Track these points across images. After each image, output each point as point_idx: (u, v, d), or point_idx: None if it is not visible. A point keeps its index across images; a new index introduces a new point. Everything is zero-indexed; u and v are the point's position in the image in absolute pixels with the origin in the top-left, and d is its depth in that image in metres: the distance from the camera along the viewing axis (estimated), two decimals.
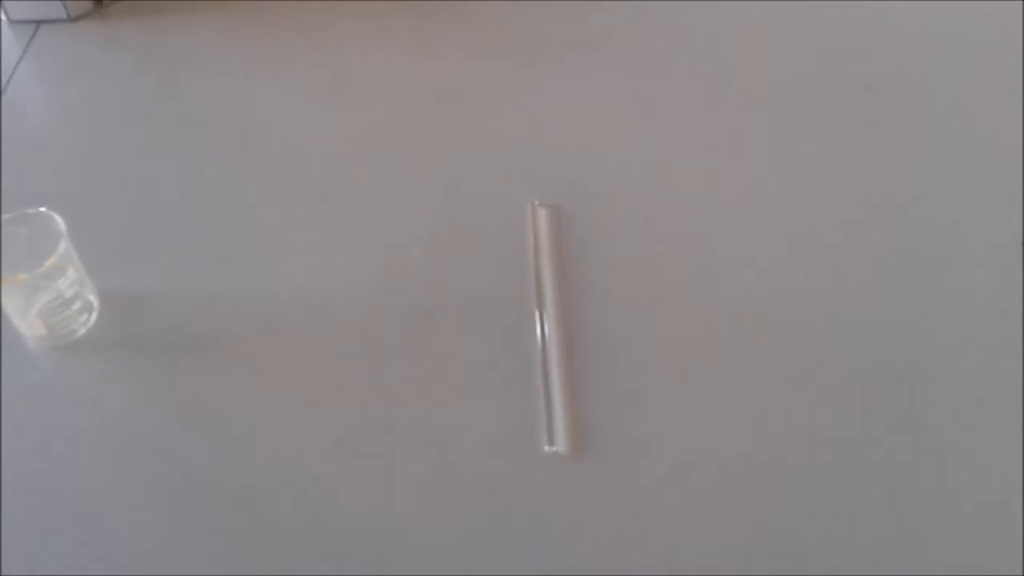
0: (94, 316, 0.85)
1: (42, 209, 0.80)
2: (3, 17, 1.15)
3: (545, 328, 0.81)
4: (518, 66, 1.05)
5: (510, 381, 0.78)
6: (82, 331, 0.84)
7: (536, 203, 0.91)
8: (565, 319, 0.82)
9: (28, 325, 0.82)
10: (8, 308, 0.81)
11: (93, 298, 0.85)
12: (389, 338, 0.82)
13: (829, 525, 0.71)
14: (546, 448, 0.74)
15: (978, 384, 0.79)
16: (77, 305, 0.82)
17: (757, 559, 0.69)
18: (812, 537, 0.70)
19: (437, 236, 0.89)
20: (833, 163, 0.95)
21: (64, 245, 0.78)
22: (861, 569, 0.69)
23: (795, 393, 0.77)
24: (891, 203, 0.91)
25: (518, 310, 0.82)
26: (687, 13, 1.11)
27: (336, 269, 0.88)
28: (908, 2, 1.09)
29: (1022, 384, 0.78)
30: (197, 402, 0.79)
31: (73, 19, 1.15)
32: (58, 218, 0.80)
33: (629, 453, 0.74)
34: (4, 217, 0.80)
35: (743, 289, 0.84)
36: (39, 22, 1.15)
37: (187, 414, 0.78)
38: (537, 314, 0.81)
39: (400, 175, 0.95)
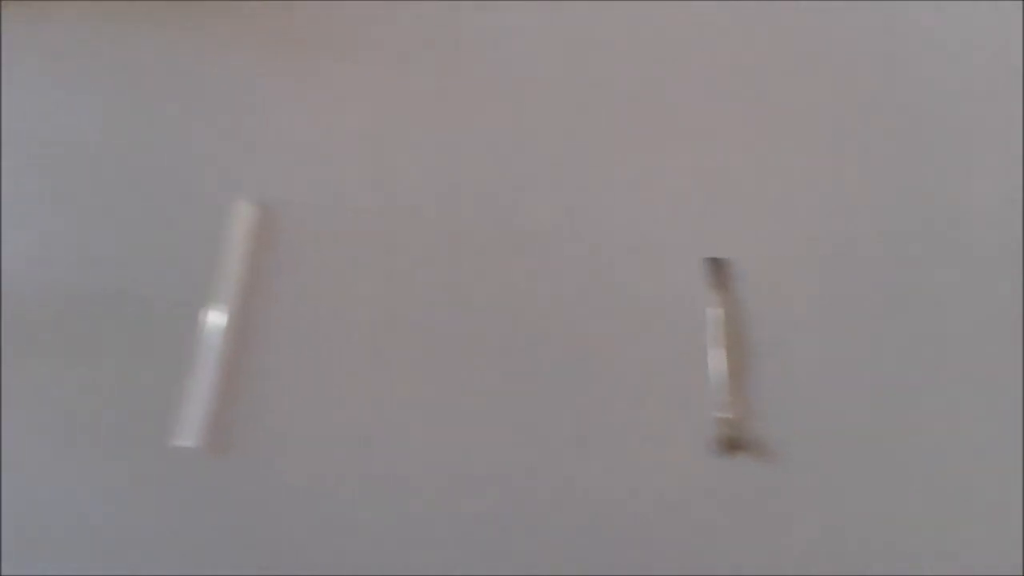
0: None
1: None
2: None
3: (213, 324, 0.84)
4: (256, 64, 1.01)
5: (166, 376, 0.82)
6: None
7: (242, 202, 0.91)
8: (241, 317, 0.85)
9: None
10: None
11: None
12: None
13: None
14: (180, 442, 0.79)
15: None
16: None
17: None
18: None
19: (135, 232, 0.90)
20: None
21: None
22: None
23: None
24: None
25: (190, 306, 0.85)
26: (452, 14, 1.05)
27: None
28: None
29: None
30: None
31: None
32: None
33: (270, 451, 0.79)
34: None
35: (436, 292, 0.87)
36: None
37: None
38: (211, 311, 0.85)
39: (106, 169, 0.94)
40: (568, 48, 1.00)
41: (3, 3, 1.05)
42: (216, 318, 0.85)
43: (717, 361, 0.80)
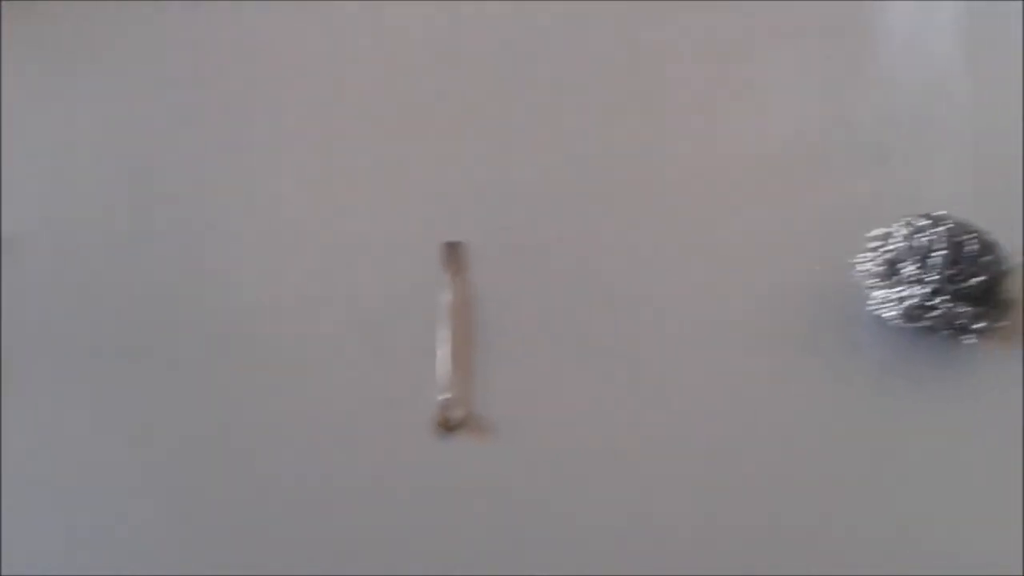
0: None
1: None
2: None
3: None
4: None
5: None
6: None
7: None
8: None
9: None
10: None
11: None
12: None
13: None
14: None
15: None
16: None
17: None
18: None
19: None
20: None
21: None
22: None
23: None
24: None
25: None
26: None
27: None
28: None
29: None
30: None
31: None
32: None
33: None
34: None
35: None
36: None
37: None
38: None
39: None
40: (312, 48, 0.97)
41: None
42: None
43: (443, 344, 0.75)
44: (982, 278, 0.70)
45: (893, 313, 0.72)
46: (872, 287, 0.73)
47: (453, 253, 0.82)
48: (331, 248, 0.83)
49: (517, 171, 0.87)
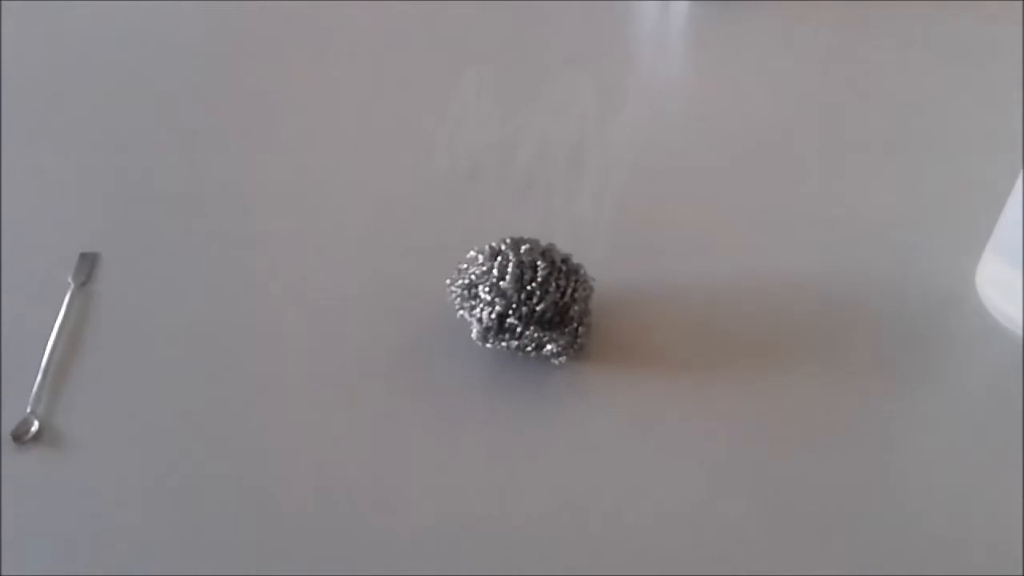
0: None
1: None
2: None
3: None
4: None
5: None
6: None
7: None
8: None
9: None
10: None
11: None
12: None
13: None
14: None
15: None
16: None
17: None
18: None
19: None
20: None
21: None
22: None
23: None
24: None
25: None
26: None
27: None
28: None
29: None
30: None
31: None
32: None
33: None
34: None
35: None
36: None
37: None
38: None
39: None
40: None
41: None
42: None
43: (47, 355, 0.76)
44: (551, 301, 0.73)
45: (474, 335, 0.74)
46: (457, 309, 0.75)
47: (85, 264, 0.83)
48: None
49: (154, 184, 0.88)
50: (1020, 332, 0.76)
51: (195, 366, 0.76)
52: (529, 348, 0.73)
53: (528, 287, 0.73)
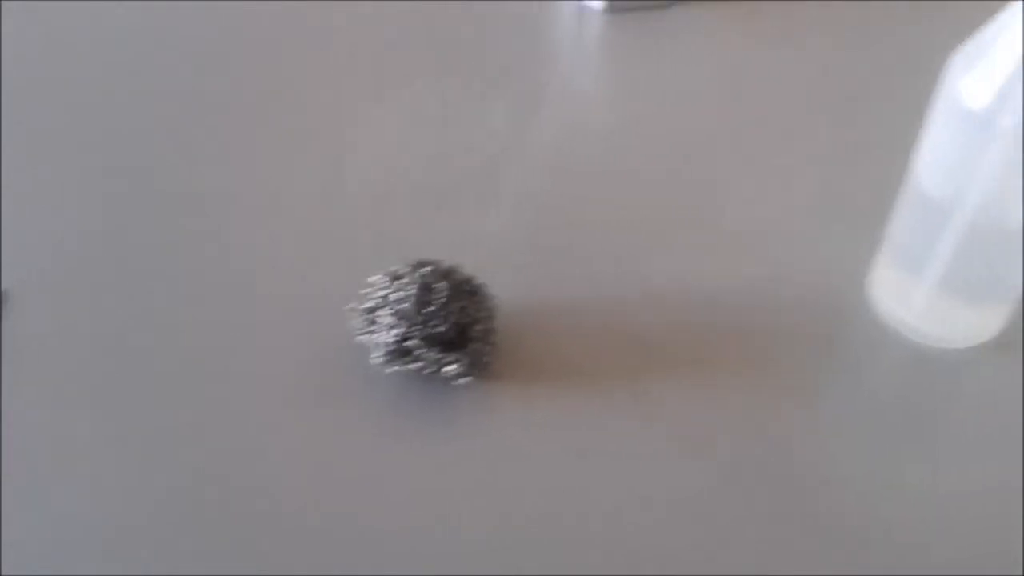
0: None
1: None
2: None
3: None
4: None
5: None
6: None
7: None
8: None
9: None
10: None
11: None
12: None
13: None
14: None
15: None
16: None
17: None
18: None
19: None
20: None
21: None
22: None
23: None
24: None
25: None
26: None
27: None
28: None
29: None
30: None
31: None
32: None
33: None
34: None
35: None
36: None
37: None
38: None
39: None
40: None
41: None
42: None
43: None
44: (452, 322, 0.73)
45: (377, 358, 0.74)
46: (358, 334, 0.76)
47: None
48: None
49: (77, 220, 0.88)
50: (913, 337, 0.77)
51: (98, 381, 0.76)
52: (431, 370, 0.74)
53: (428, 309, 0.73)
